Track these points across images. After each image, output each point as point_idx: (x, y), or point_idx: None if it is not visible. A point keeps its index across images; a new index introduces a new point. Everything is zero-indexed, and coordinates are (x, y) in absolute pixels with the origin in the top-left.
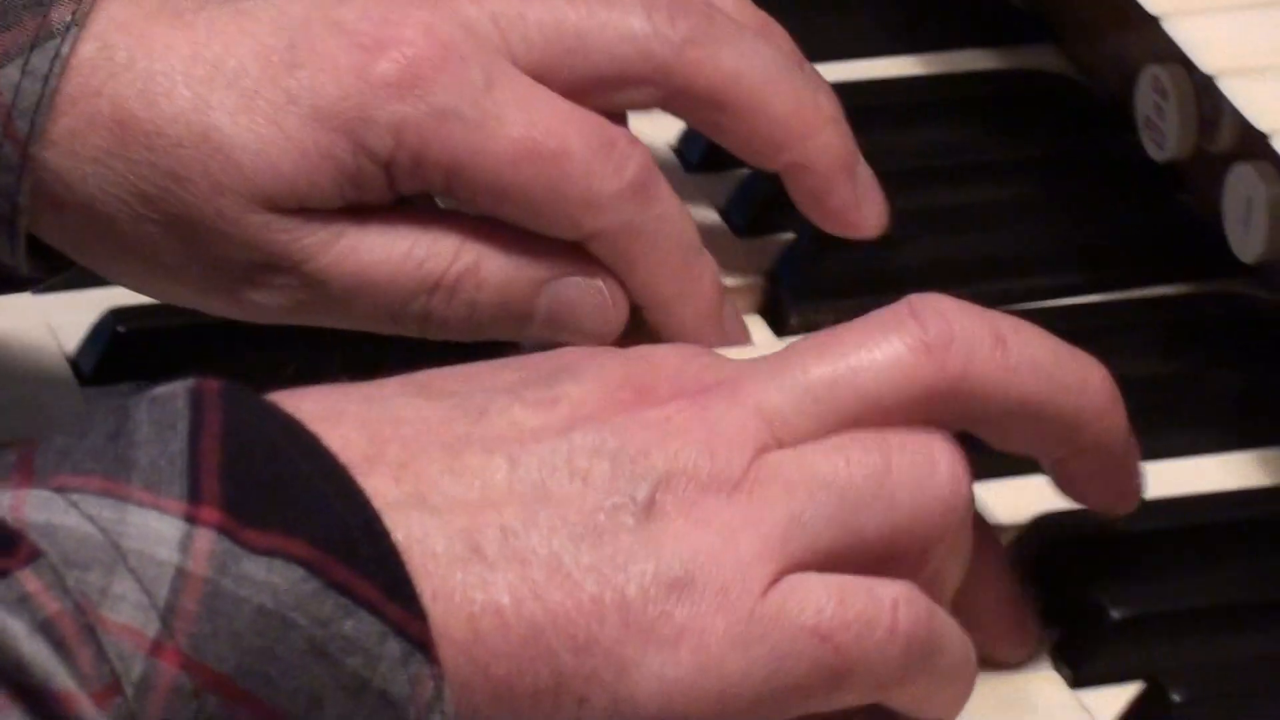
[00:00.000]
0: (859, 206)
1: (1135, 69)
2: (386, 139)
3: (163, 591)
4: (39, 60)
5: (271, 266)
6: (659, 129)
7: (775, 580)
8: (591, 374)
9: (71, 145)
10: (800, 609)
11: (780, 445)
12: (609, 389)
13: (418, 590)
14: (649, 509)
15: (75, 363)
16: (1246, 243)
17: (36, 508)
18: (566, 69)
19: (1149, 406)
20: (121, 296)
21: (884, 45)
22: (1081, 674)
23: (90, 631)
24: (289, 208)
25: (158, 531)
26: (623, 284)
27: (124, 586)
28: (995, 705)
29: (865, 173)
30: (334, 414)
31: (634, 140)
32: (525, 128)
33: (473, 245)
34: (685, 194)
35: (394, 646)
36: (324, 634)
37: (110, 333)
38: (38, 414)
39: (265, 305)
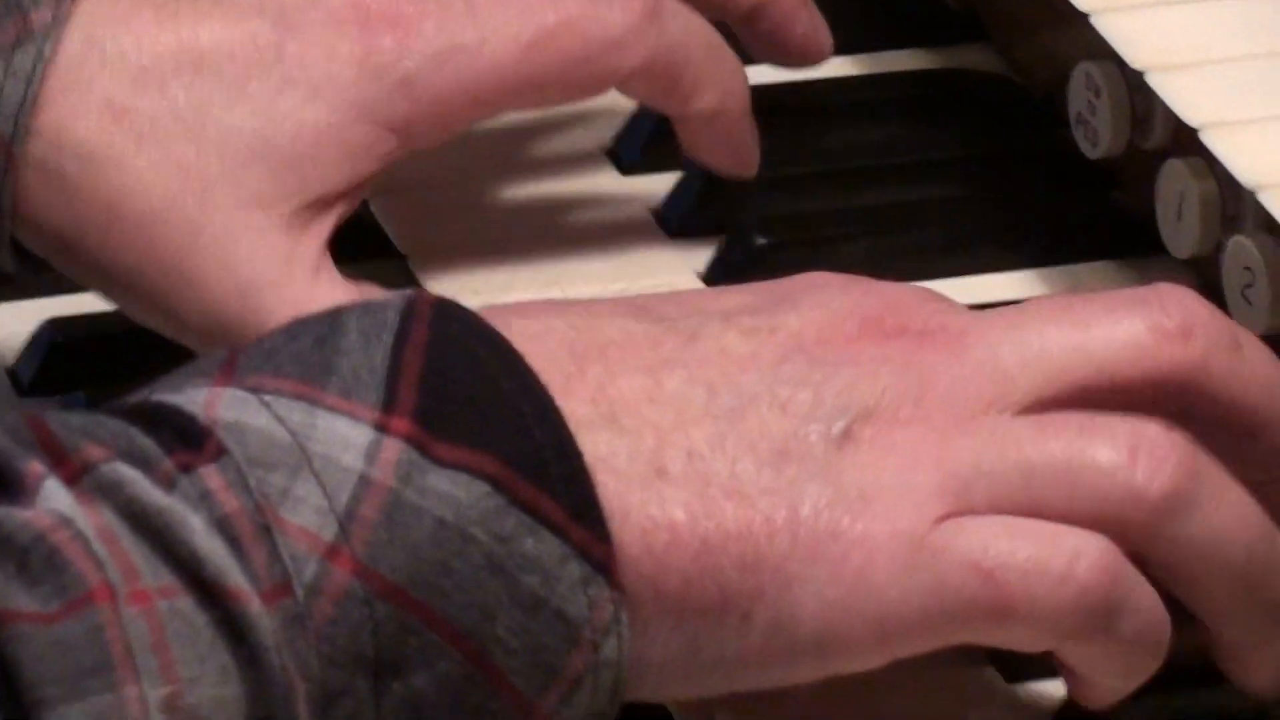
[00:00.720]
0: (818, 32)
1: (1068, 67)
2: (400, 104)
3: (343, 497)
4: (21, 60)
5: (251, 288)
6: (591, 132)
7: (949, 515)
8: (815, 303)
9: (58, 137)
10: (968, 543)
11: (998, 406)
12: (832, 319)
13: (605, 510)
14: (843, 439)
15: (14, 373)
16: (1180, 239)
17: (229, 406)
18: None
19: None
20: (59, 307)
21: None
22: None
23: (266, 531)
24: (289, 201)
25: (345, 437)
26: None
27: (305, 489)
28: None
29: (812, 5)
30: (542, 331)
31: None
32: (522, 18)
33: None
34: (619, 196)
35: (574, 568)
36: (503, 550)
37: (48, 343)
38: None
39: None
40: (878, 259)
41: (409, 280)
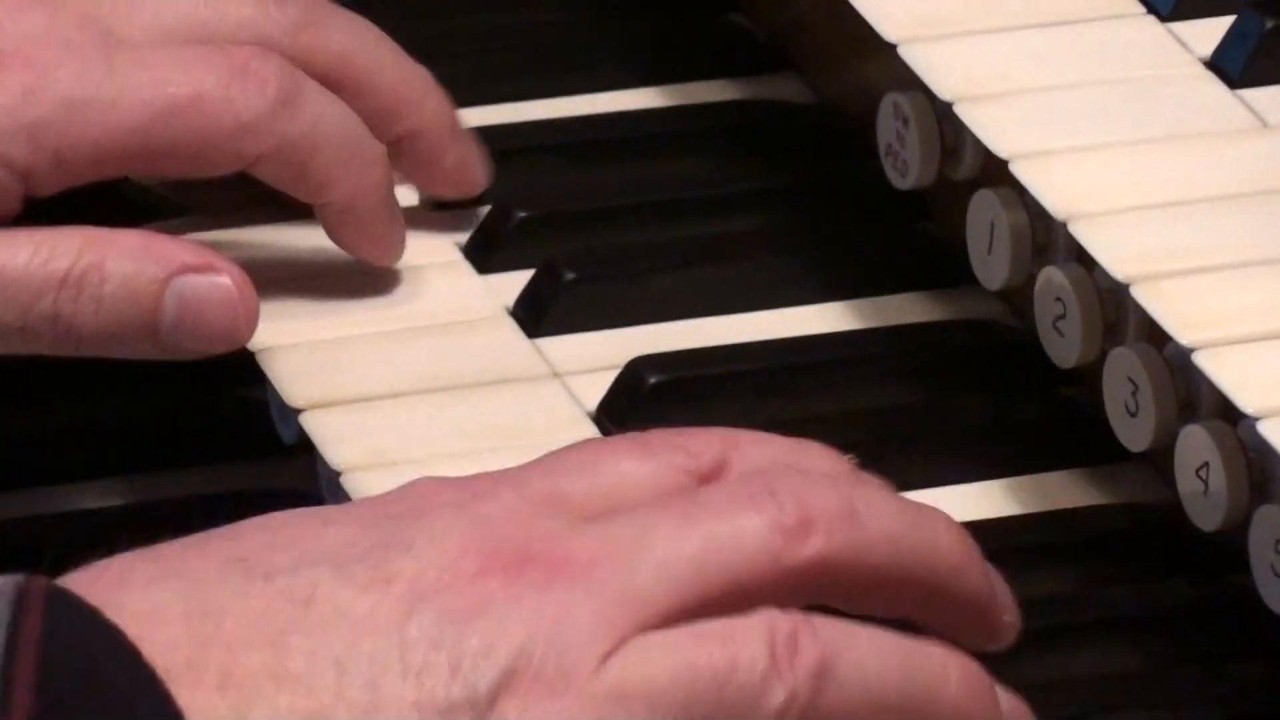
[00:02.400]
0: (470, 164)
1: (876, 97)
2: (21, 146)
3: None
4: None
5: None
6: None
7: None
8: (428, 541)
9: None
10: None
11: (639, 628)
12: (449, 559)
13: None
14: (490, 707)
15: None
16: (991, 270)
17: None
18: None
19: (900, 436)
20: None
21: (627, 78)
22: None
23: None
24: None
25: None
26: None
27: None
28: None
29: (467, 134)
30: (157, 610)
31: (265, 56)
32: (154, 86)
33: (96, 244)
34: (425, 230)
35: None
36: None
37: None
38: None
39: None
40: (687, 292)
41: None
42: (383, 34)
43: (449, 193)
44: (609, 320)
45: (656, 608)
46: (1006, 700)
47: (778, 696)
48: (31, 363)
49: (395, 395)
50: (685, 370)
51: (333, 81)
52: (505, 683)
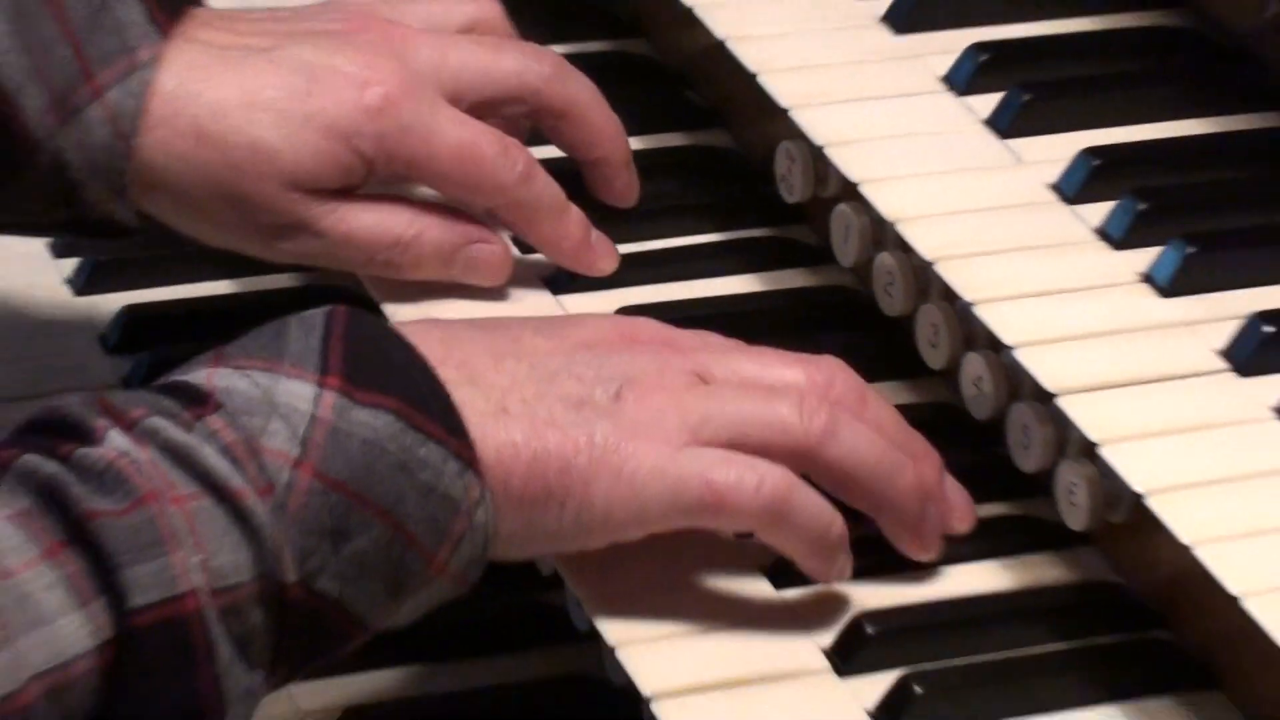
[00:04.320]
0: (631, 190)
1: (774, 143)
2: (371, 145)
3: (301, 429)
4: (134, 83)
5: (294, 227)
6: None
7: (688, 445)
8: (591, 325)
9: (165, 148)
10: (698, 464)
11: (707, 380)
12: (604, 333)
13: (470, 432)
14: (617, 395)
15: (105, 338)
16: (846, 254)
17: (222, 378)
18: (474, 93)
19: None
20: (134, 298)
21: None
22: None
23: (254, 453)
24: (307, 189)
25: (299, 393)
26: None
27: (276, 426)
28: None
29: (633, 167)
30: (424, 333)
31: (519, 145)
32: (458, 137)
33: (419, 219)
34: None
35: (453, 465)
36: (406, 457)
37: (125, 321)
38: (74, 376)
39: (289, 251)
40: (652, 270)
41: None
42: (593, 85)
43: (614, 202)
44: (607, 284)
45: (712, 425)
46: (957, 492)
47: (796, 424)
48: None
49: None
50: (657, 316)
51: (565, 115)
52: (627, 382)
